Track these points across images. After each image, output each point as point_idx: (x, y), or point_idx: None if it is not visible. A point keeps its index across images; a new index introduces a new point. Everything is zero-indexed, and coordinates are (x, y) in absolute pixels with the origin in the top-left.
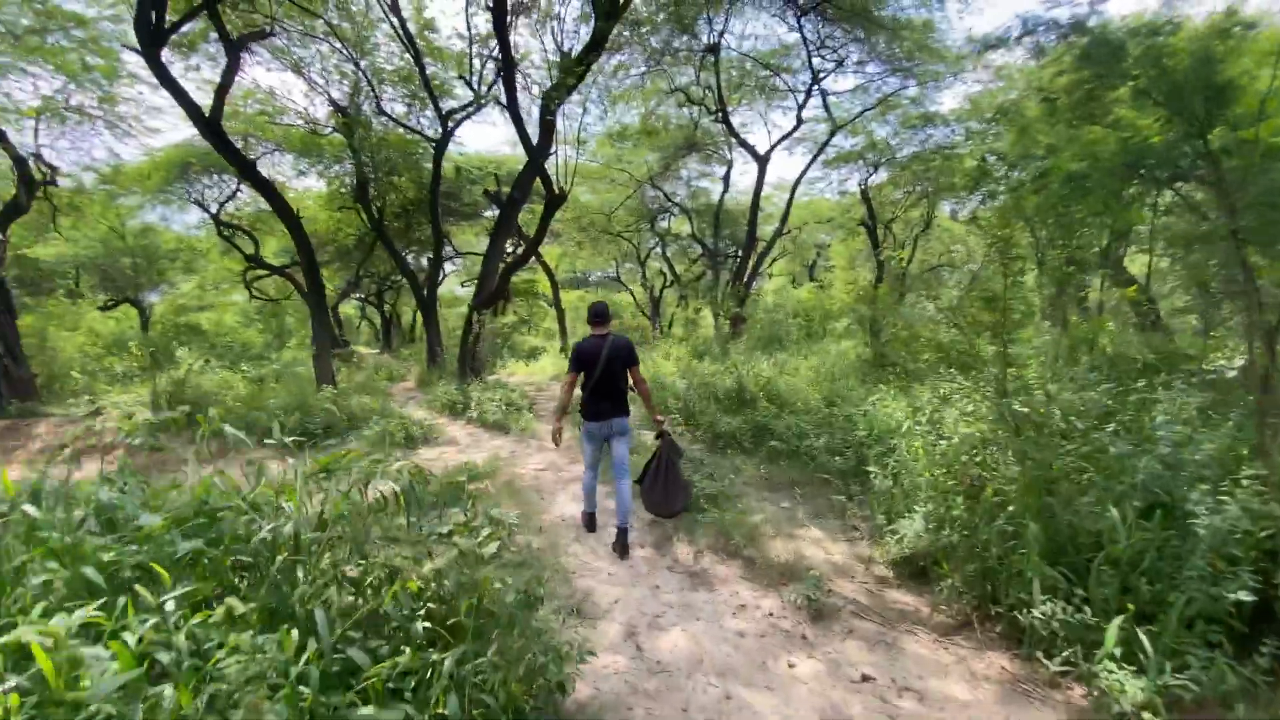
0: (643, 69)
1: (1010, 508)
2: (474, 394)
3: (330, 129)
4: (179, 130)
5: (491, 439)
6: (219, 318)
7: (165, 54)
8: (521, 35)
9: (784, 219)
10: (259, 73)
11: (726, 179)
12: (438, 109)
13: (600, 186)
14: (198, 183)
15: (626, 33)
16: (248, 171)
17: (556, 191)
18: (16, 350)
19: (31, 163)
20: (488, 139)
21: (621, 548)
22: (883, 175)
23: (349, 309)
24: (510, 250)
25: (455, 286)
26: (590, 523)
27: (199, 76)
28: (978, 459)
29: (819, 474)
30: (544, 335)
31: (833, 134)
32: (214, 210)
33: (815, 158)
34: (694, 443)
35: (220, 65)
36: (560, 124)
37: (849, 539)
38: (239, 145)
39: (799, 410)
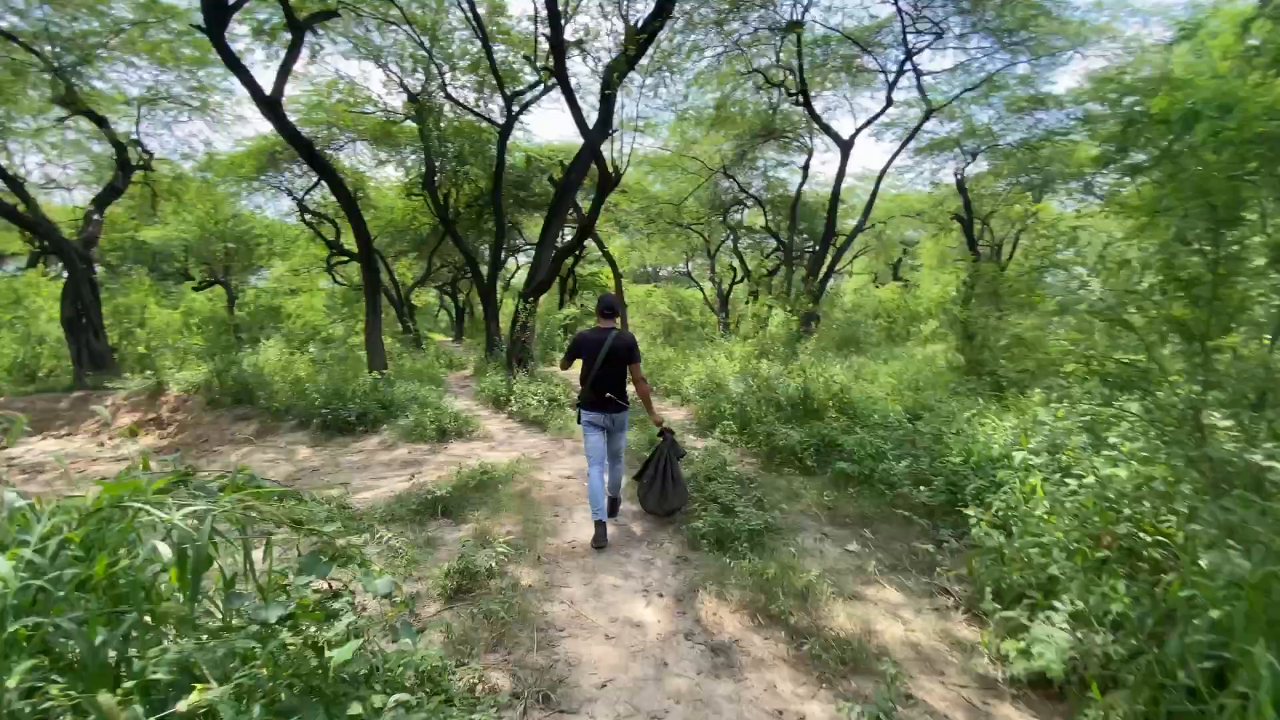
0: (719, 50)
1: (1213, 612)
2: (518, 387)
3: (404, 117)
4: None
5: (527, 436)
6: (308, 301)
7: (248, 42)
8: (587, 15)
9: (867, 211)
10: (339, 61)
11: (806, 168)
12: (503, 92)
13: (671, 176)
14: (286, 171)
15: (702, 9)
16: (306, 152)
17: (610, 172)
18: (98, 324)
19: (130, 148)
20: (560, 129)
21: (611, 510)
22: (982, 165)
23: (429, 297)
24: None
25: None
26: (601, 535)
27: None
28: (1141, 518)
29: (898, 508)
30: None
31: (926, 117)
32: (299, 198)
33: (905, 144)
34: (747, 456)
35: (303, 57)
36: (629, 107)
37: (938, 607)
38: (322, 134)
39: (875, 425)
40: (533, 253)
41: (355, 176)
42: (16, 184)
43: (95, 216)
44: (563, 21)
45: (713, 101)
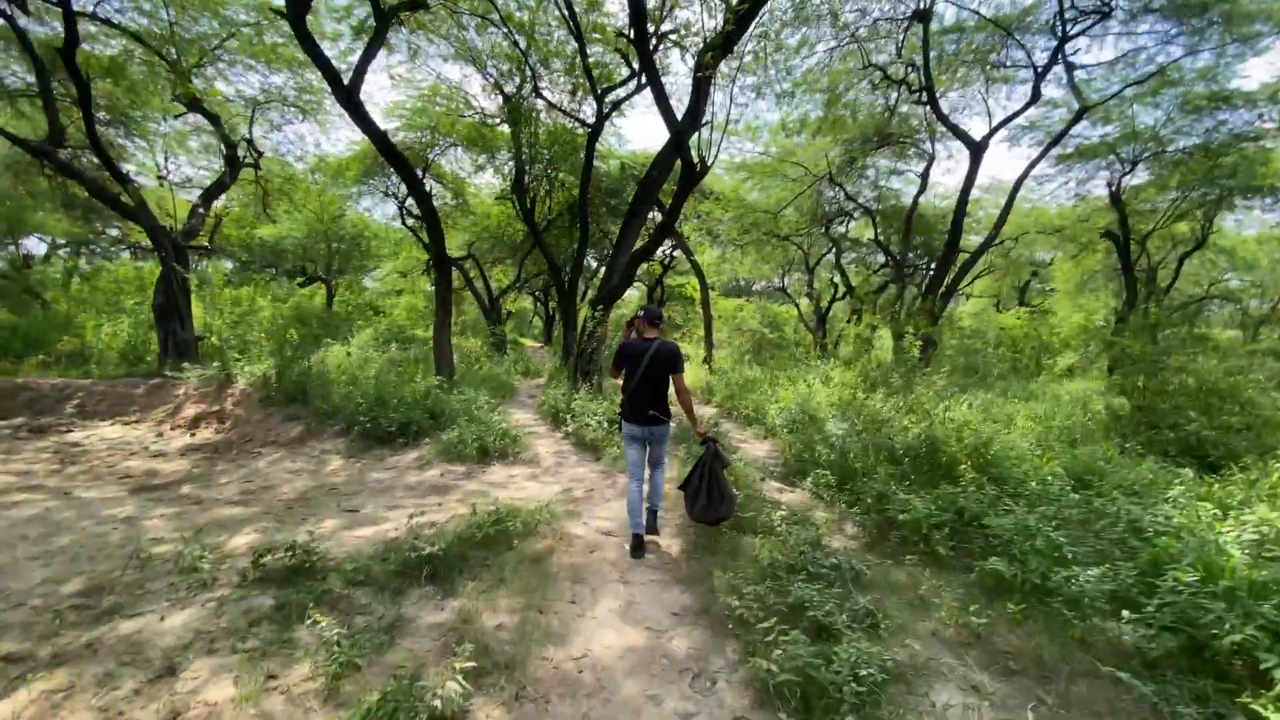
0: (831, 44)
1: None
2: (578, 404)
3: (499, 121)
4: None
5: (577, 464)
6: (409, 302)
7: (347, 42)
8: (687, 9)
9: (999, 224)
10: (439, 65)
11: (925, 177)
12: (595, 91)
13: (769, 185)
14: (392, 175)
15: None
16: (382, 145)
17: (696, 164)
18: (185, 314)
19: (241, 147)
20: (654, 137)
21: (650, 526)
22: (1141, 175)
23: (525, 303)
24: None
25: None
26: (639, 546)
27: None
28: None
29: (1094, 652)
30: (695, 343)
31: (1077, 118)
32: (400, 201)
33: (1049, 149)
34: (847, 521)
35: (402, 57)
36: (726, 107)
37: None
38: (424, 139)
39: (1030, 493)
40: None
41: (455, 182)
42: (122, 176)
43: (200, 210)
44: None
45: (820, 102)
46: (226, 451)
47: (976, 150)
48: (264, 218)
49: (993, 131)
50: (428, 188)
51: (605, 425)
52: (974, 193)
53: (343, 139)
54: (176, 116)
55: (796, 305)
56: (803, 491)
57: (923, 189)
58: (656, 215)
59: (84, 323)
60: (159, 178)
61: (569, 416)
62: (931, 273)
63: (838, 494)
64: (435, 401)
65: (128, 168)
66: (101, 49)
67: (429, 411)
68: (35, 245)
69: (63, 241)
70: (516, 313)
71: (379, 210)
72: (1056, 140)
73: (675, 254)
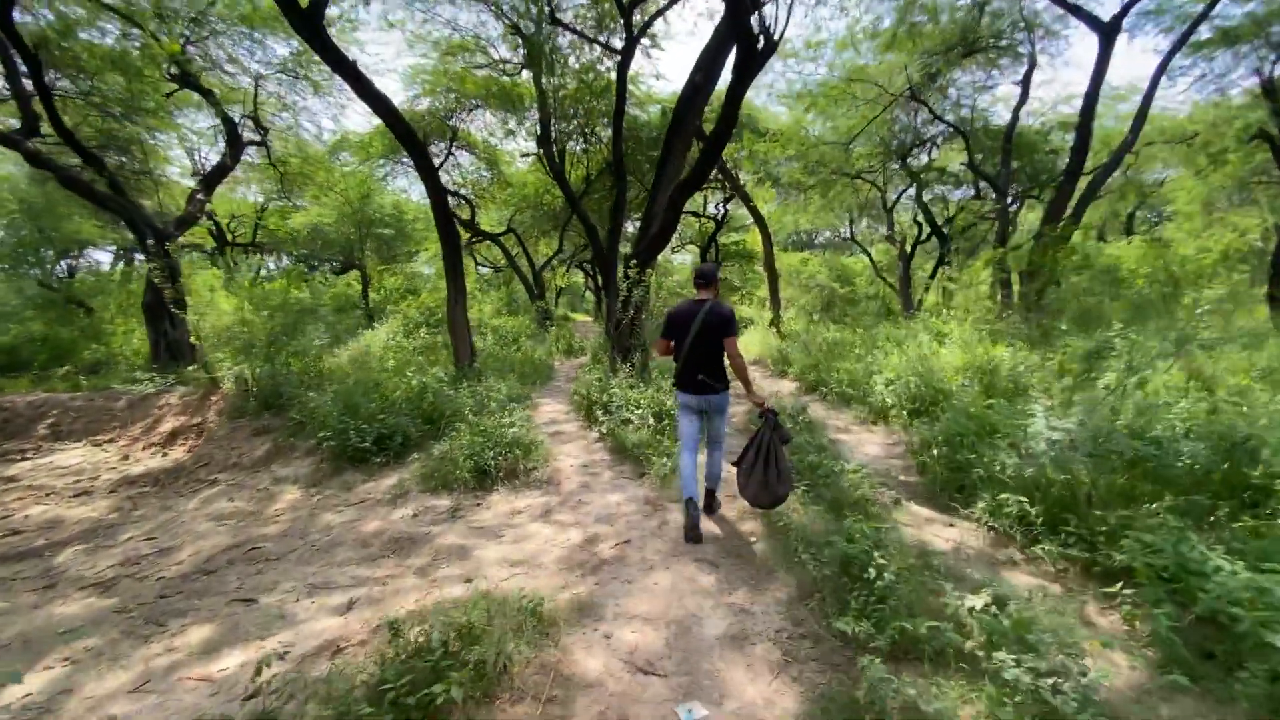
0: None
1: None
2: (616, 391)
3: (520, 68)
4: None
5: (611, 486)
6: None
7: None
8: None
9: (1135, 129)
10: (449, 10)
11: (1025, 84)
12: (620, 4)
13: (837, 113)
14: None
15: None
16: (350, 75)
17: (758, 41)
18: (174, 314)
19: (242, 124)
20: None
21: (708, 506)
22: None
23: (577, 278)
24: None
25: (667, 253)
26: (693, 523)
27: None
28: None
29: None
30: (757, 305)
31: None
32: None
33: (1193, 29)
34: (1096, 608)
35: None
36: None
37: None
38: (448, 102)
39: None
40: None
41: (488, 151)
42: (96, 160)
43: (199, 197)
44: None
45: (893, 7)
46: (174, 481)
47: (1108, 34)
48: (290, 205)
49: (1127, 8)
50: (458, 159)
51: (652, 422)
52: (1076, 103)
53: (364, 113)
54: (169, 95)
55: (868, 254)
56: (971, 525)
57: (1024, 99)
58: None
59: (115, 329)
60: (194, 173)
61: (602, 411)
62: (1047, 199)
63: (1049, 540)
64: (435, 401)
65: (165, 168)
66: (98, 37)
67: (426, 415)
68: (101, 255)
69: (111, 247)
70: (568, 287)
71: (416, 189)
72: (1200, 19)
73: (729, 206)
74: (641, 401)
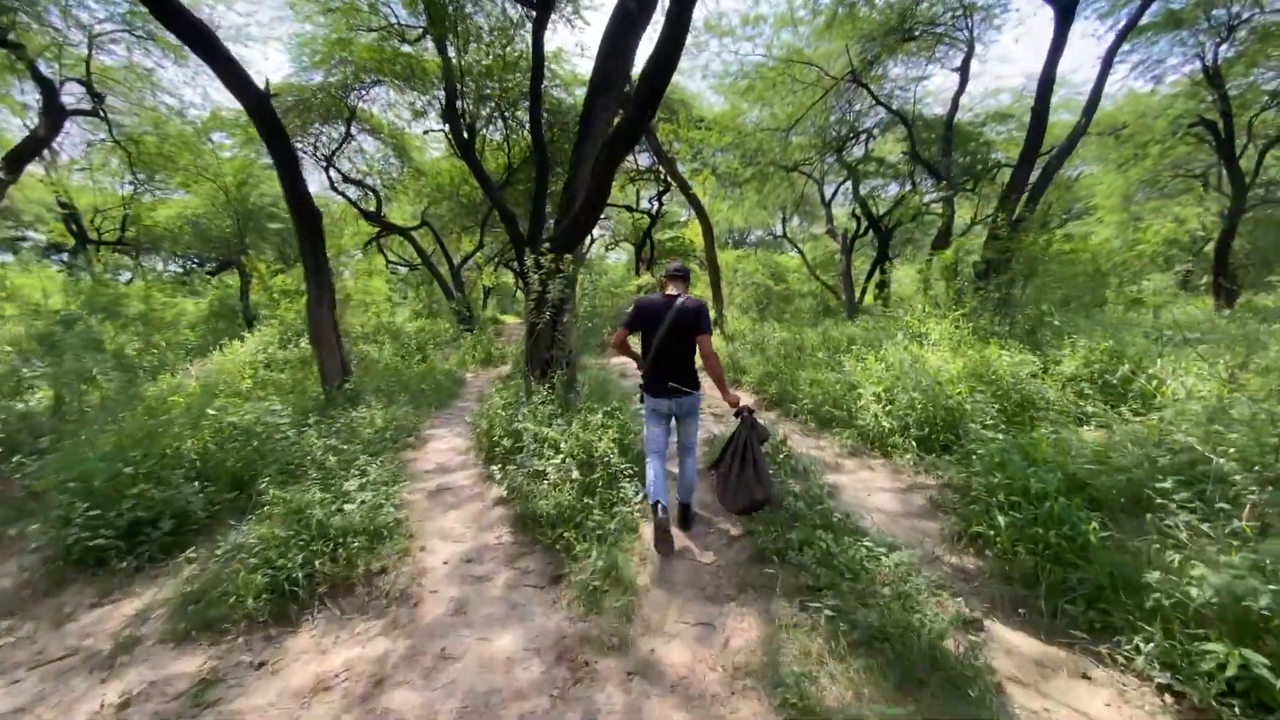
0: None
1: None
2: (527, 424)
3: (422, 32)
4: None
5: (504, 611)
6: (369, 285)
7: None
8: None
9: (1090, 110)
10: None
11: (964, 71)
12: None
13: (776, 97)
14: (315, 129)
15: None
16: (187, 32)
17: None
18: None
19: (66, 89)
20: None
21: (683, 521)
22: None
23: (508, 277)
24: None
25: (601, 250)
26: (665, 529)
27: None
28: None
29: None
30: None
31: None
32: (326, 157)
33: (1144, 9)
34: None
35: None
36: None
37: None
38: (344, 77)
39: None
40: (611, 223)
41: (396, 136)
42: None
43: (3, 177)
44: None
45: None
46: None
47: (1067, 8)
48: (155, 195)
49: None
50: (361, 144)
51: (575, 474)
52: (1003, 98)
53: (265, 72)
54: None
55: (800, 252)
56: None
57: (963, 86)
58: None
59: None
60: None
61: (505, 454)
62: (986, 191)
63: None
64: (257, 450)
65: None
66: None
67: (234, 476)
68: None
69: None
70: (497, 287)
71: (316, 178)
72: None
73: (665, 198)
74: (562, 442)
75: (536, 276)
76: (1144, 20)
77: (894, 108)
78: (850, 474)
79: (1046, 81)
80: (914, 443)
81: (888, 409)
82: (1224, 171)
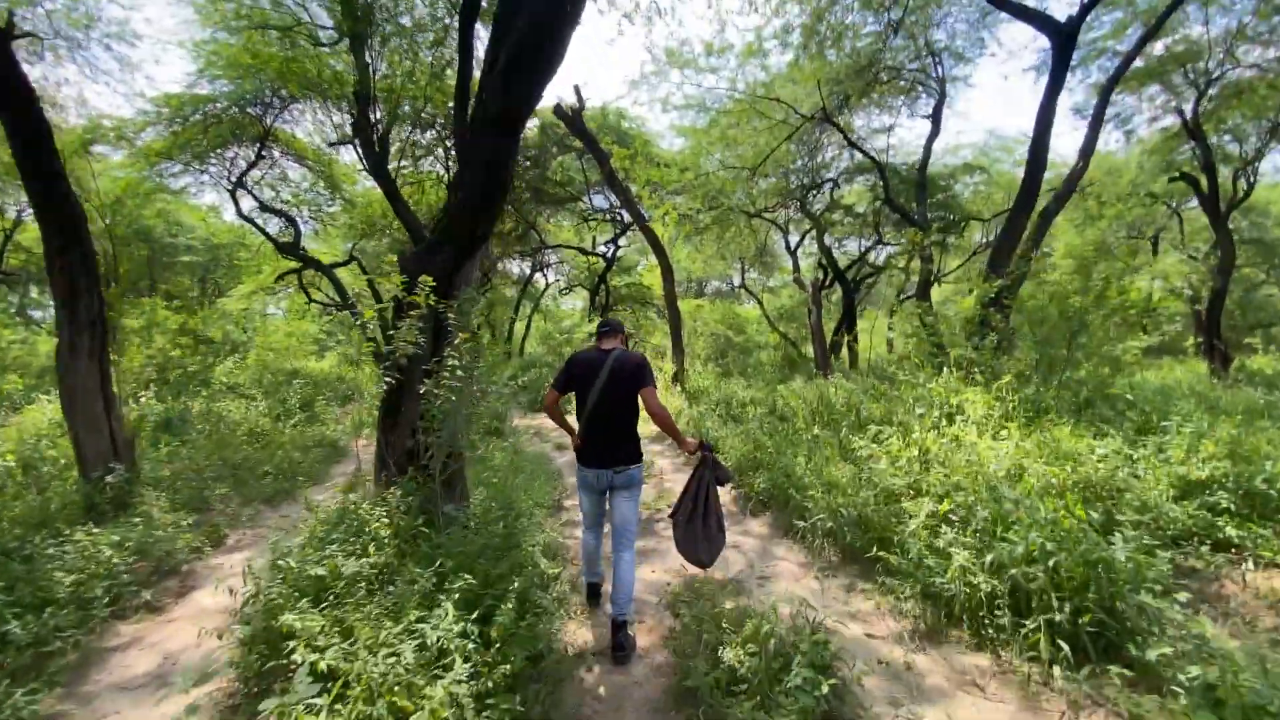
0: None
1: None
2: (311, 624)
3: (339, 34)
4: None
5: None
6: (288, 326)
7: None
8: None
9: (1087, 151)
10: None
11: (936, 118)
12: None
13: (742, 136)
14: (230, 149)
15: None
16: None
17: None
18: None
19: None
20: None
21: (616, 647)
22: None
23: None
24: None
25: (556, 296)
26: (595, 594)
27: None
28: None
29: None
30: (652, 355)
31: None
32: (235, 181)
33: (1138, 50)
34: None
35: None
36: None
37: None
38: (259, 93)
39: None
40: (559, 265)
41: (320, 162)
42: None
43: None
44: None
45: (799, 23)
46: None
47: (1066, 37)
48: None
49: (1087, 7)
50: (285, 171)
51: None
52: (963, 154)
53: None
54: None
55: (759, 302)
56: None
57: (935, 133)
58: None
59: None
60: None
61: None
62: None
63: None
64: None
65: None
66: None
67: None
68: None
69: None
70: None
71: (232, 209)
72: (1147, 39)
73: (623, 241)
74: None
75: (410, 327)
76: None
77: (866, 150)
78: (943, 702)
79: (1045, 119)
80: (1047, 632)
81: (974, 551)
82: (1179, 229)
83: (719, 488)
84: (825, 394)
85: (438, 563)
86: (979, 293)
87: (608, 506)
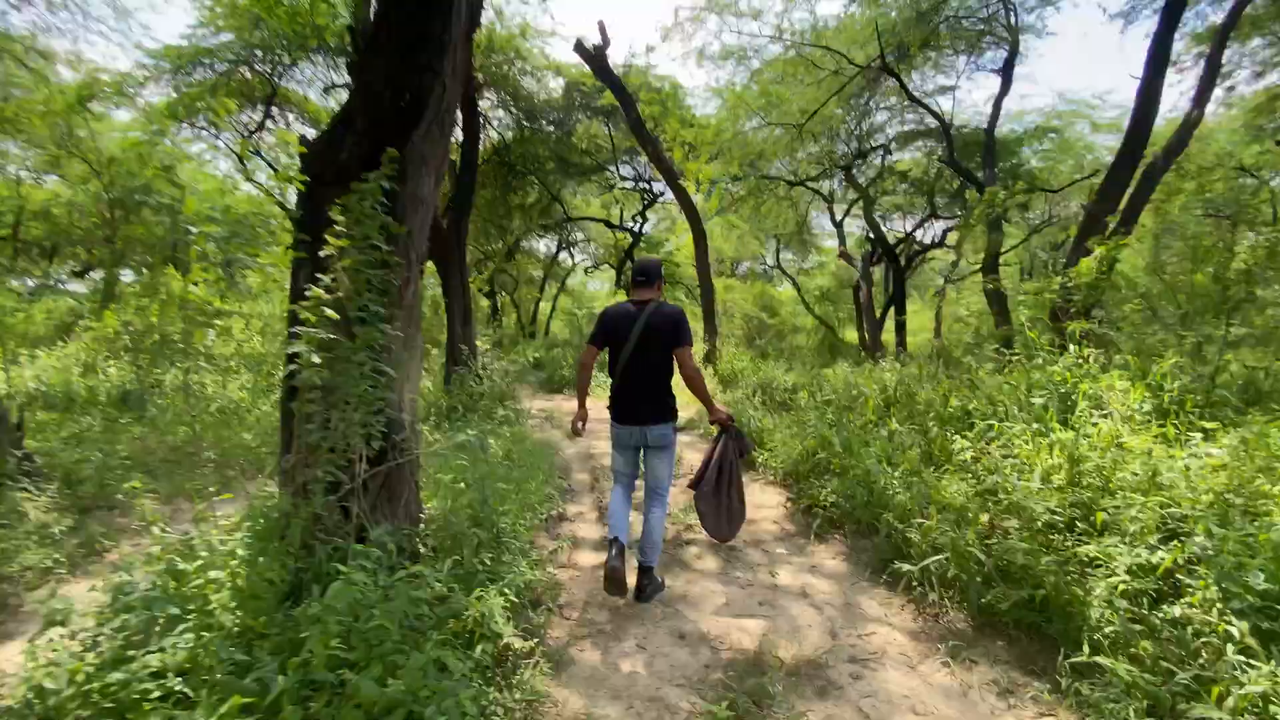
0: None
1: None
2: None
3: None
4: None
5: None
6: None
7: None
8: None
9: (1202, 97)
10: None
11: (1006, 72)
12: None
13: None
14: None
15: None
16: None
17: None
18: None
19: None
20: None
21: (638, 590)
22: None
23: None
24: None
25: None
26: (616, 569)
27: None
28: None
29: None
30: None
31: None
32: (244, 139)
33: None
34: None
35: None
36: None
37: None
38: (254, 39)
39: None
40: (585, 240)
41: (315, 111)
42: None
43: None
44: None
45: None
46: None
47: None
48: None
49: None
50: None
51: None
52: (1029, 119)
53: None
54: None
55: (795, 284)
56: None
57: (1005, 90)
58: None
59: None
60: None
61: None
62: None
63: None
64: None
65: None
66: None
67: None
68: None
69: None
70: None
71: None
72: None
73: (648, 217)
74: None
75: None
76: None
77: (928, 105)
78: None
79: (1159, 58)
80: None
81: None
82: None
83: (739, 460)
84: (901, 379)
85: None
86: (1103, 253)
87: (641, 466)
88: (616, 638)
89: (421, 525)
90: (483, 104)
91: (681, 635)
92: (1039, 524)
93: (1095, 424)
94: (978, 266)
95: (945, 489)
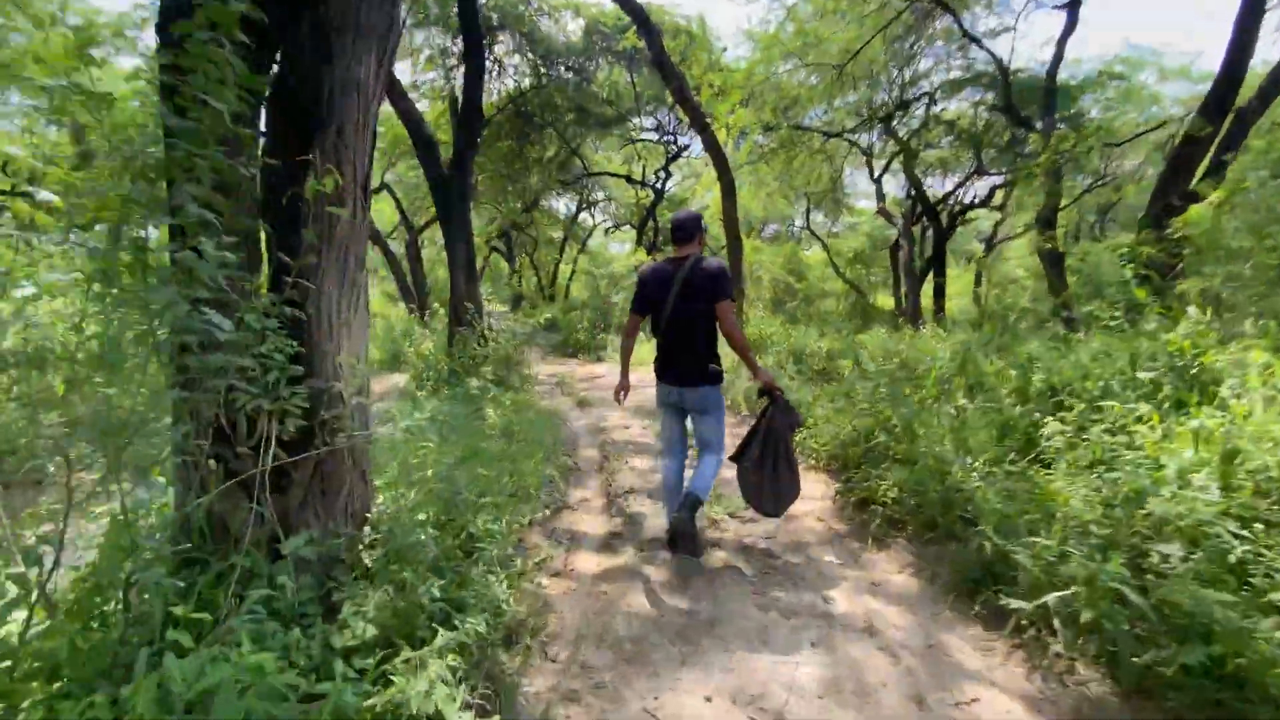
0: None
1: None
2: None
3: None
4: None
5: None
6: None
7: None
8: None
9: None
10: None
11: (1074, 8)
12: None
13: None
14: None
15: None
16: None
17: None
18: None
19: None
20: None
21: (676, 533)
22: None
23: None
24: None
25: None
26: (683, 521)
27: None
28: None
29: None
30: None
31: None
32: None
33: None
34: None
35: None
36: None
37: None
38: None
39: None
40: (603, 196)
41: None
42: None
43: None
44: None
45: None
46: None
47: None
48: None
49: None
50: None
51: None
52: (1087, 67)
53: None
54: None
55: (826, 247)
56: None
57: (1070, 28)
58: None
59: None
60: None
61: None
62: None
63: None
64: None
65: None
66: None
67: None
68: None
69: None
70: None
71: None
72: None
73: (671, 173)
74: None
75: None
76: None
77: (983, 43)
78: None
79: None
80: None
81: None
82: None
83: (790, 433)
84: (963, 346)
85: None
86: (1222, 195)
87: (689, 429)
88: (616, 698)
89: (367, 528)
90: (498, 48)
91: (707, 696)
92: (1219, 549)
93: (1239, 407)
94: (1020, 230)
95: (1059, 491)
